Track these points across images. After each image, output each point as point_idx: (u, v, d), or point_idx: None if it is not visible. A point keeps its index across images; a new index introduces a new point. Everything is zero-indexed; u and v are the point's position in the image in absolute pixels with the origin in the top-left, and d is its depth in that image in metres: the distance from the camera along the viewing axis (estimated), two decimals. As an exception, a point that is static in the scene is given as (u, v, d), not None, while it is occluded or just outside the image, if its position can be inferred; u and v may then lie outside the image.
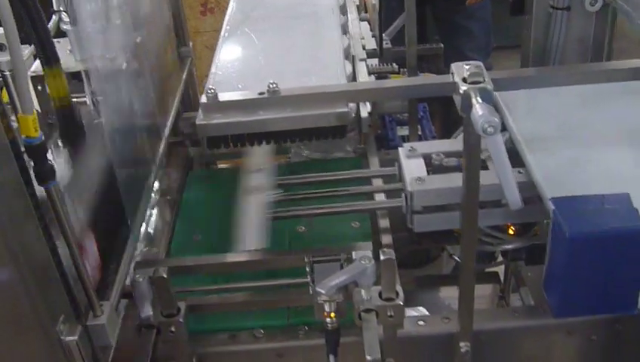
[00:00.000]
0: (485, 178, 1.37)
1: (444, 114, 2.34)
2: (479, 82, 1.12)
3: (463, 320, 1.41)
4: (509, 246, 1.68)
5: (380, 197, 1.67)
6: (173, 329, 1.34)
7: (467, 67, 1.14)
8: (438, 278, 2.37)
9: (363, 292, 1.32)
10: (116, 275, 1.28)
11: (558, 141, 1.52)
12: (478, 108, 1.08)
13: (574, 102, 1.63)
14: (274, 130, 1.20)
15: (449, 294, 2.18)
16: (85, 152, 1.29)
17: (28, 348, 1.06)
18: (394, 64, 1.98)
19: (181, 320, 1.34)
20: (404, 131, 2.16)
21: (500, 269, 2.20)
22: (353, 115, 1.72)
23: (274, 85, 1.20)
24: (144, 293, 1.31)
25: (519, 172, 1.50)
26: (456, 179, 1.49)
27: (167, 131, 1.73)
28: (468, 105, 1.11)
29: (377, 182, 1.72)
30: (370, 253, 1.32)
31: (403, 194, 1.56)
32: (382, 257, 1.29)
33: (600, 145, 1.50)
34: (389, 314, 1.33)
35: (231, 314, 1.50)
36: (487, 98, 1.11)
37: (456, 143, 1.67)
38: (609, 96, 1.63)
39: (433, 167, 1.60)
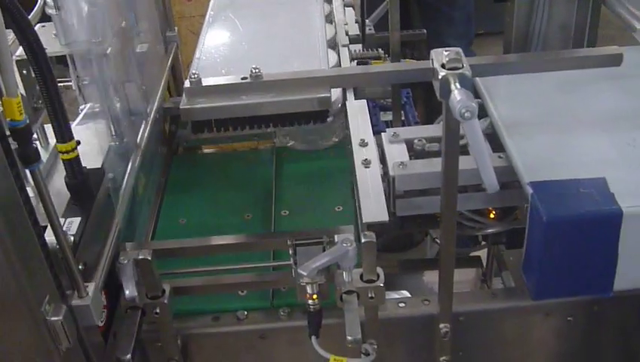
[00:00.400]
0: (466, 163, 1.40)
1: (427, 100, 2.37)
2: (458, 68, 1.14)
3: (443, 302, 1.44)
4: (490, 231, 1.71)
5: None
6: (157, 310, 1.37)
7: (446, 53, 1.16)
8: (422, 262, 2.40)
9: (344, 274, 1.35)
10: (101, 257, 1.30)
11: (537, 126, 1.55)
12: (457, 94, 1.10)
13: (554, 88, 1.66)
14: (257, 114, 1.22)
15: (432, 278, 2.21)
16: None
17: (13, 328, 1.07)
18: (379, 50, 1.99)
19: (165, 301, 1.36)
20: (387, 117, 2.18)
21: (483, 254, 2.23)
22: (339, 105, 1.75)
23: (257, 70, 1.21)
24: (129, 275, 1.33)
25: (499, 157, 1.53)
26: (437, 164, 1.50)
27: (152, 115, 1.74)
28: (447, 91, 1.13)
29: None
30: (351, 236, 1.35)
31: (385, 179, 1.58)
32: (363, 240, 1.31)
33: (579, 131, 1.53)
34: (369, 295, 1.35)
35: (215, 296, 1.52)
36: (466, 84, 1.13)
37: (438, 129, 1.69)
38: (589, 82, 1.65)
39: (415, 152, 1.63)
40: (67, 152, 1.24)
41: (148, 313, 1.37)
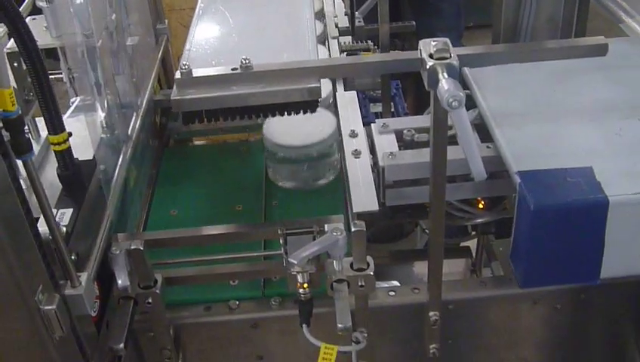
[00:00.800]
0: (454, 153, 1.41)
1: (417, 91, 2.38)
2: (445, 58, 1.15)
3: (432, 290, 1.46)
4: (479, 220, 1.72)
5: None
6: (150, 300, 1.38)
7: (434, 43, 1.17)
8: (412, 253, 2.42)
9: (335, 263, 1.36)
10: (93, 247, 1.31)
11: (526, 116, 1.56)
12: (444, 83, 1.12)
13: (543, 78, 1.67)
14: (247, 104, 1.23)
15: (422, 268, 2.23)
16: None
17: (7, 318, 1.08)
18: (369, 42, 2.00)
19: (158, 291, 1.37)
20: (377, 108, 2.19)
21: (473, 244, 2.25)
22: (331, 100, 1.76)
23: (247, 61, 1.22)
24: (121, 265, 1.34)
25: (487, 147, 1.55)
26: (426, 154, 1.52)
27: (143, 107, 1.75)
28: (434, 81, 1.15)
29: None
30: (341, 225, 1.36)
31: (375, 169, 1.59)
32: (352, 229, 1.33)
33: (567, 121, 1.54)
34: (360, 283, 1.37)
35: (206, 287, 1.54)
36: (453, 73, 1.14)
37: (427, 119, 1.70)
38: (577, 73, 1.67)
39: (405, 142, 1.64)
40: (59, 144, 1.25)
41: (140, 303, 1.38)
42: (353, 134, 1.60)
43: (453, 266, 2.29)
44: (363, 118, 1.73)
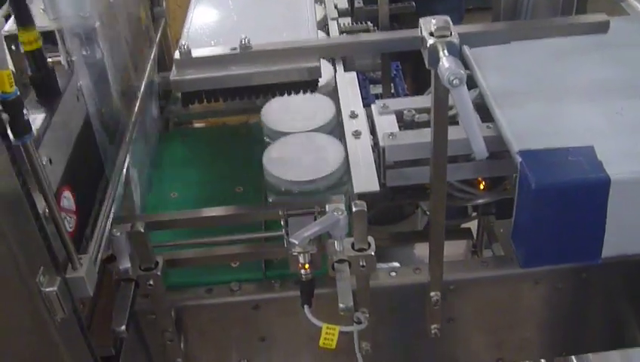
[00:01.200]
0: (455, 133, 1.41)
1: (416, 73, 2.37)
2: (446, 36, 1.15)
3: (434, 270, 1.46)
4: (480, 201, 1.72)
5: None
6: (151, 282, 1.38)
7: (434, 21, 1.17)
8: (412, 234, 2.42)
9: (336, 243, 1.36)
10: (95, 229, 1.31)
11: (526, 96, 1.56)
12: (445, 61, 1.11)
13: (543, 57, 1.66)
14: (247, 84, 1.22)
15: (423, 250, 2.23)
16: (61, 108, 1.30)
17: (7, 300, 1.08)
18: (368, 22, 1.99)
19: (159, 273, 1.37)
20: (377, 90, 2.18)
21: (473, 226, 2.25)
22: (331, 88, 1.75)
23: (246, 41, 1.21)
24: (122, 247, 1.34)
25: (488, 127, 1.54)
26: (427, 134, 1.52)
27: (142, 90, 1.75)
28: (435, 59, 1.14)
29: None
30: (342, 206, 1.36)
31: (376, 150, 1.59)
32: (353, 209, 1.32)
33: (568, 100, 1.53)
34: (361, 264, 1.37)
35: (207, 269, 1.53)
36: (454, 51, 1.13)
37: (427, 100, 1.69)
38: (578, 51, 1.66)
39: (405, 123, 1.64)
40: (30, 43, 1.20)
41: (141, 285, 1.38)
42: (353, 115, 1.60)
43: (454, 248, 2.29)
44: (363, 99, 1.72)
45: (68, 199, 1.29)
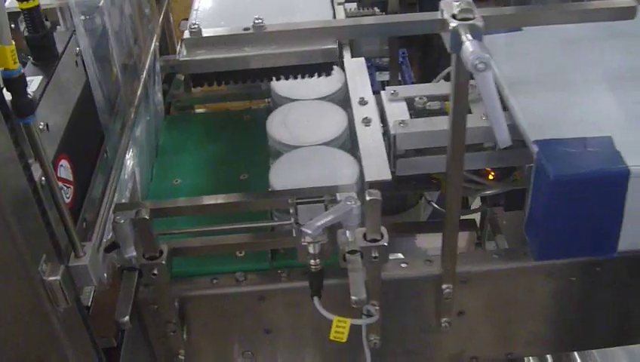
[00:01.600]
0: (470, 121, 1.37)
1: (423, 60, 2.32)
2: (469, 18, 1.10)
3: (447, 262, 1.42)
4: (490, 192, 1.68)
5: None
6: (155, 271, 1.33)
7: (457, 3, 1.12)
8: (416, 225, 2.38)
9: (348, 233, 1.32)
10: (98, 217, 1.26)
11: (541, 85, 1.51)
12: (469, 45, 1.07)
13: (557, 45, 1.62)
14: (259, 66, 1.17)
15: (426, 241, 2.19)
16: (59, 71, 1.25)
17: (10, 288, 1.03)
18: (375, 8, 1.94)
19: (164, 262, 1.32)
20: (383, 77, 2.14)
21: (476, 217, 2.22)
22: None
23: (259, 21, 1.16)
24: (126, 235, 1.29)
25: (501, 115, 1.49)
26: (440, 122, 1.49)
27: (145, 73, 1.69)
28: (457, 43, 1.09)
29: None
30: (354, 194, 1.31)
31: (385, 138, 1.54)
32: (367, 198, 1.28)
33: (584, 89, 1.49)
34: (373, 255, 1.32)
35: (212, 258, 1.48)
36: (478, 35, 1.09)
37: (438, 87, 1.66)
38: (593, 40, 1.62)
39: (415, 110, 1.59)
40: (26, 0, 1.15)
41: (145, 274, 1.33)
42: (363, 102, 1.55)
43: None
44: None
45: (65, 168, 1.23)
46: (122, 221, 1.28)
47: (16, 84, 0.98)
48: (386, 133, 1.53)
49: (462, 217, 2.14)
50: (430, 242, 2.08)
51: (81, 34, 1.31)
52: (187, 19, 1.47)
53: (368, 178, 1.35)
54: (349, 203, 1.27)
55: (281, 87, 1.70)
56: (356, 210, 1.28)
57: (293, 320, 1.51)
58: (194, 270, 1.47)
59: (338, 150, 1.57)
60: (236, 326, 1.51)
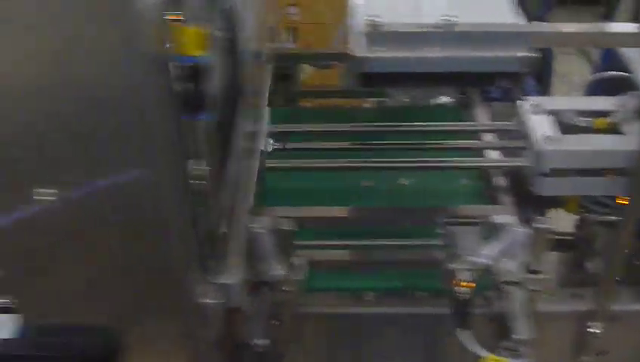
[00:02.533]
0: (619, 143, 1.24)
1: (539, 68, 2.18)
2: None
3: (601, 299, 1.28)
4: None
5: (493, 154, 1.50)
6: (289, 287, 1.18)
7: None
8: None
9: (508, 262, 1.18)
10: (234, 231, 1.11)
11: None
12: None
13: None
14: (445, 70, 1.02)
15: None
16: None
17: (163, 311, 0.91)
18: None
19: (301, 277, 1.18)
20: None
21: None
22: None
23: (449, 19, 1.01)
24: (265, 248, 1.14)
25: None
26: (594, 141, 1.34)
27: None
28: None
29: (487, 137, 1.55)
30: (516, 219, 1.17)
31: (527, 154, 1.40)
32: (535, 226, 1.14)
33: None
34: (534, 287, 1.18)
35: (338, 274, 1.34)
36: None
37: (588, 101, 1.51)
38: None
39: (562, 125, 1.44)
40: None
41: (277, 290, 1.19)
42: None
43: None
44: (487, 93, 1.55)
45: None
46: (262, 230, 1.13)
47: (198, 74, 0.84)
48: (526, 148, 1.39)
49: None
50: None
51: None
52: (295, 5, 1.32)
53: None
54: (518, 230, 1.13)
55: None
56: (524, 238, 1.14)
57: (426, 348, 1.36)
58: (317, 285, 1.33)
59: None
60: (359, 349, 1.37)
